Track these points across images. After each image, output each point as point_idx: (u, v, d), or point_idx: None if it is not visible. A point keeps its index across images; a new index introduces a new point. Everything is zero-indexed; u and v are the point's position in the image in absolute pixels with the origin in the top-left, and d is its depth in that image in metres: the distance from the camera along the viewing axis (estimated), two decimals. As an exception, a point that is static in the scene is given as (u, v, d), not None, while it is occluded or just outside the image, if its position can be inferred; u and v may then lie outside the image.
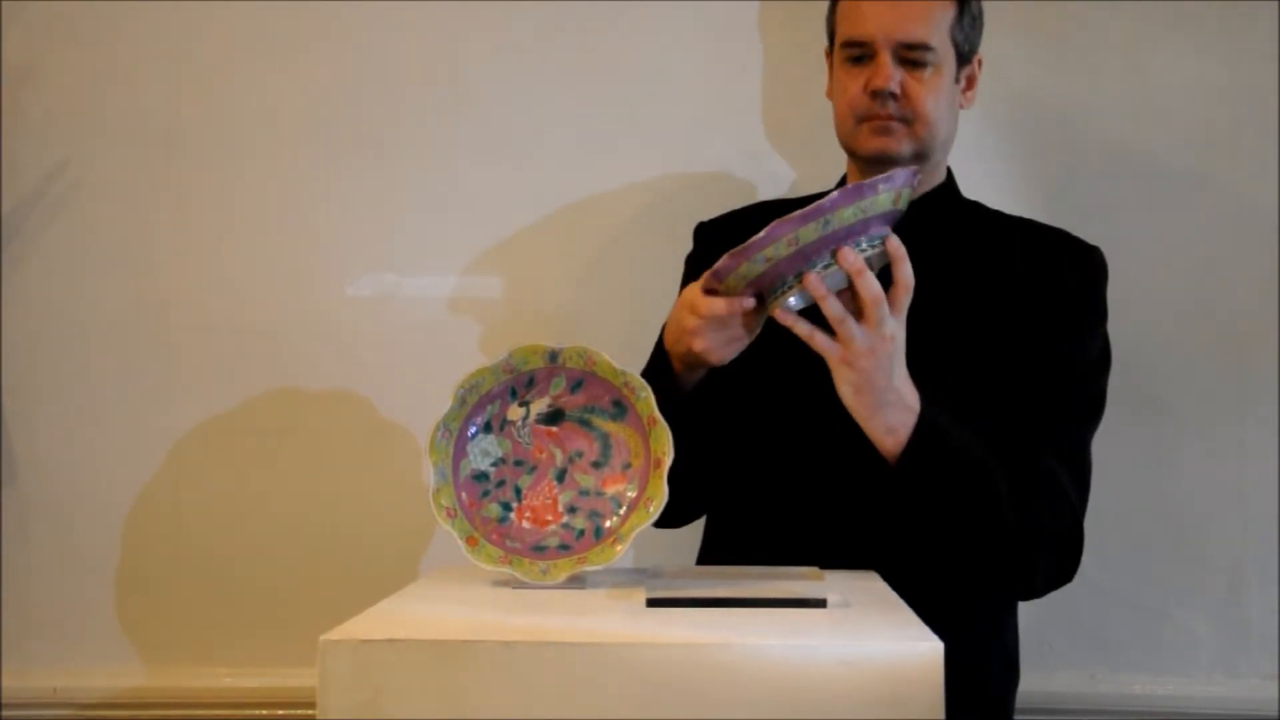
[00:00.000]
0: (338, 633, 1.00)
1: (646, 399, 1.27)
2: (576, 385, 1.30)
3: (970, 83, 1.55)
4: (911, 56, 1.46)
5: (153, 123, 1.88)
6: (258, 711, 1.86)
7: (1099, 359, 1.49)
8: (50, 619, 1.88)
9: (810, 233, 1.16)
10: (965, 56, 1.51)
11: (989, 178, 1.77)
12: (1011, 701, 1.54)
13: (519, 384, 1.30)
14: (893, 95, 1.45)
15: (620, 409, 1.30)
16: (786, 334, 1.29)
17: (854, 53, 1.48)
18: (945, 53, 1.47)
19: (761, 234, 1.17)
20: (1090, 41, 1.81)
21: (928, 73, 1.46)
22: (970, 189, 1.60)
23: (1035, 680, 1.64)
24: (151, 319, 1.88)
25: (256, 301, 1.88)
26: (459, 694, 0.97)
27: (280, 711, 1.85)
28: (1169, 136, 1.80)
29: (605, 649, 0.97)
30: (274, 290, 1.88)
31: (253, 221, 1.88)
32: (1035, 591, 1.44)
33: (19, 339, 1.88)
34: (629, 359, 1.33)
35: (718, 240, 1.62)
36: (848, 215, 1.16)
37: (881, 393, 1.27)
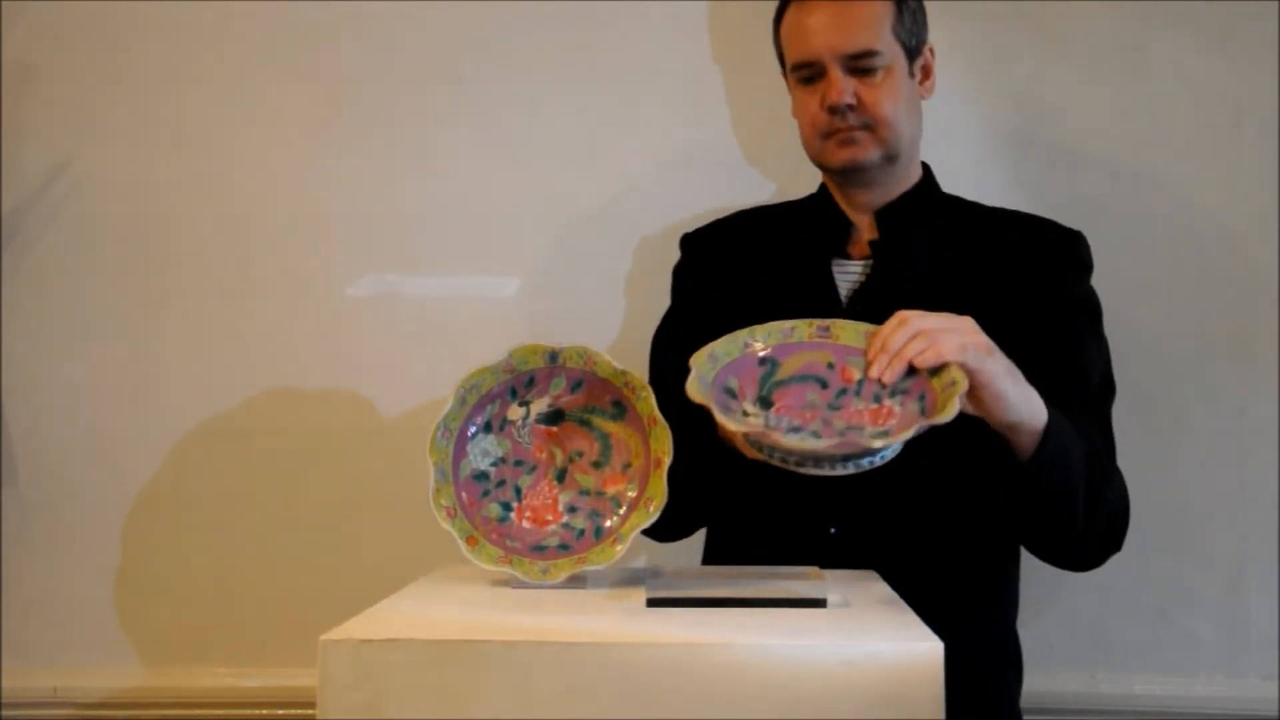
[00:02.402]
0: (338, 633, 1.00)
1: (646, 399, 1.27)
2: (576, 385, 1.30)
3: (926, 73, 1.55)
4: (860, 65, 1.46)
5: (153, 123, 1.88)
6: (258, 711, 1.86)
7: (1103, 341, 1.50)
8: (50, 619, 1.88)
9: (800, 450, 1.12)
10: (914, 50, 1.51)
11: (988, 178, 1.78)
12: (1018, 700, 1.54)
13: (519, 384, 1.30)
14: (850, 107, 1.46)
15: (620, 409, 1.30)
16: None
17: (805, 73, 1.50)
18: (893, 53, 1.48)
19: (756, 433, 1.13)
20: (1090, 41, 1.81)
21: (879, 77, 1.47)
22: (969, 189, 1.60)
23: (1036, 680, 1.64)
24: (151, 319, 1.88)
25: (256, 301, 1.88)
26: (459, 694, 0.97)
27: (280, 711, 1.85)
28: (1169, 136, 1.80)
29: (605, 649, 0.97)
30: (274, 290, 1.88)
31: (253, 221, 1.88)
32: (1101, 563, 1.46)
33: (19, 339, 1.88)
34: (629, 359, 1.33)
35: (703, 250, 1.63)
36: (837, 459, 1.12)
37: (1010, 365, 1.22)
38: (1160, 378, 1.79)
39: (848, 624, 1.05)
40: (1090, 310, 1.51)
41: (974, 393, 1.18)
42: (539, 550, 1.27)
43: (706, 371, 1.18)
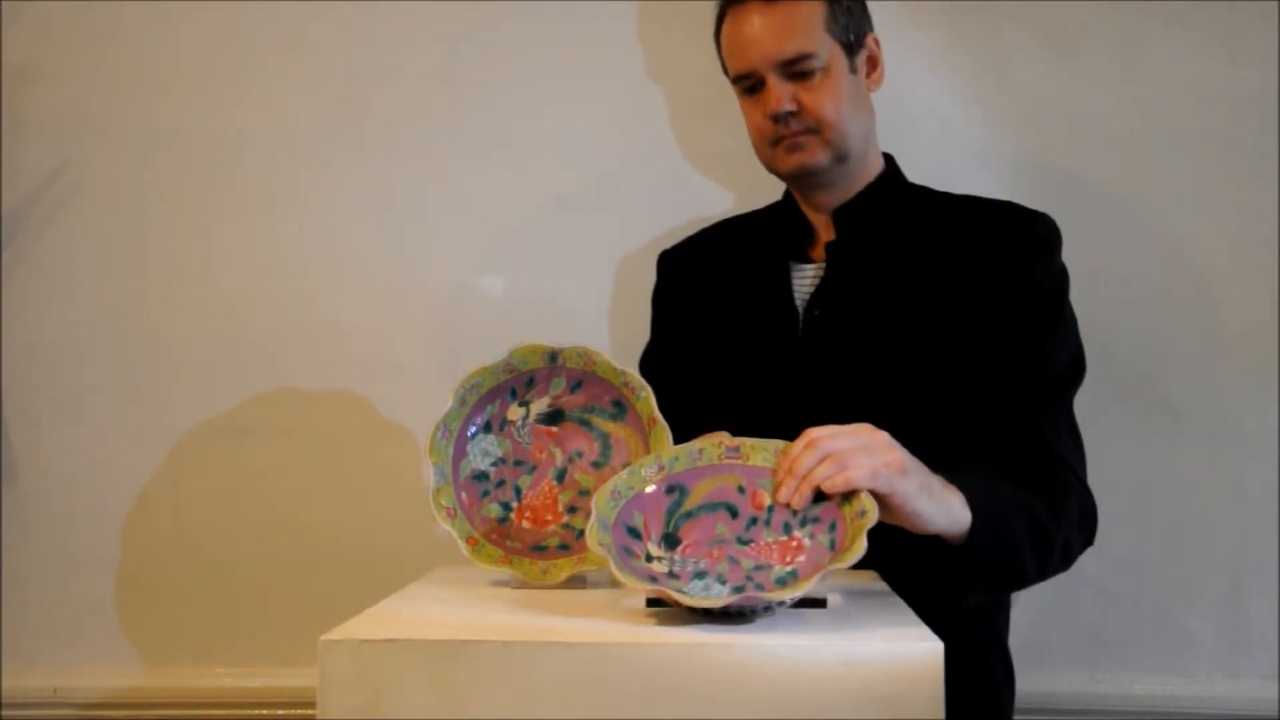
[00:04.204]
0: (338, 633, 1.00)
1: (646, 399, 1.27)
2: (576, 385, 1.30)
3: (872, 64, 1.53)
4: (796, 69, 1.45)
5: (153, 123, 1.88)
6: (258, 711, 1.86)
7: (1067, 323, 1.47)
8: (50, 619, 1.88)
9: (702, 607, 1.06)
10: (854, 45, 1.49)
11: (989, 178, 1.77)
12: (1012, 699, 1.54)
13: (519, 384, 1.30)
14: (791, 113, 1.46)
15: (620, 409, 1.30)
16: (779, 355, 1.30)
17: (746, 84, 1.50)
18: (829, 52, 1.46)
19: (657, 592, 1.06)
20: (1090, 41, 1.81)
21: (817, 78, 1.46)
22: (969, 188, 1.59)
23: (1035, 680, 1.64)
24: (151, 319, 1.88)
25: (256, 301, 1.88)
26: (459, 694, 0.97)
27: (280, 711, 1.85)
28: (1169, 136, 1.80)
29: (605, 649, 0.97)
30: (274, 290, 1.88)
31: (252, 221, 1.88)
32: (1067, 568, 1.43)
33: (19, 339, 1.88)
34: (629, 359, 1.33)
35: (677, 267, 1.64)
36: (746, 608, 1.07)
37: (928, 477, 1.18)
38: (1160, 378, 1.78)
39: (848, 624, 1.05)
40: (1052, 294, 1.47)
41: (888, 512, 1.14)
42: (539, 550, 1.27)
43: (608, 512, 1.14)
